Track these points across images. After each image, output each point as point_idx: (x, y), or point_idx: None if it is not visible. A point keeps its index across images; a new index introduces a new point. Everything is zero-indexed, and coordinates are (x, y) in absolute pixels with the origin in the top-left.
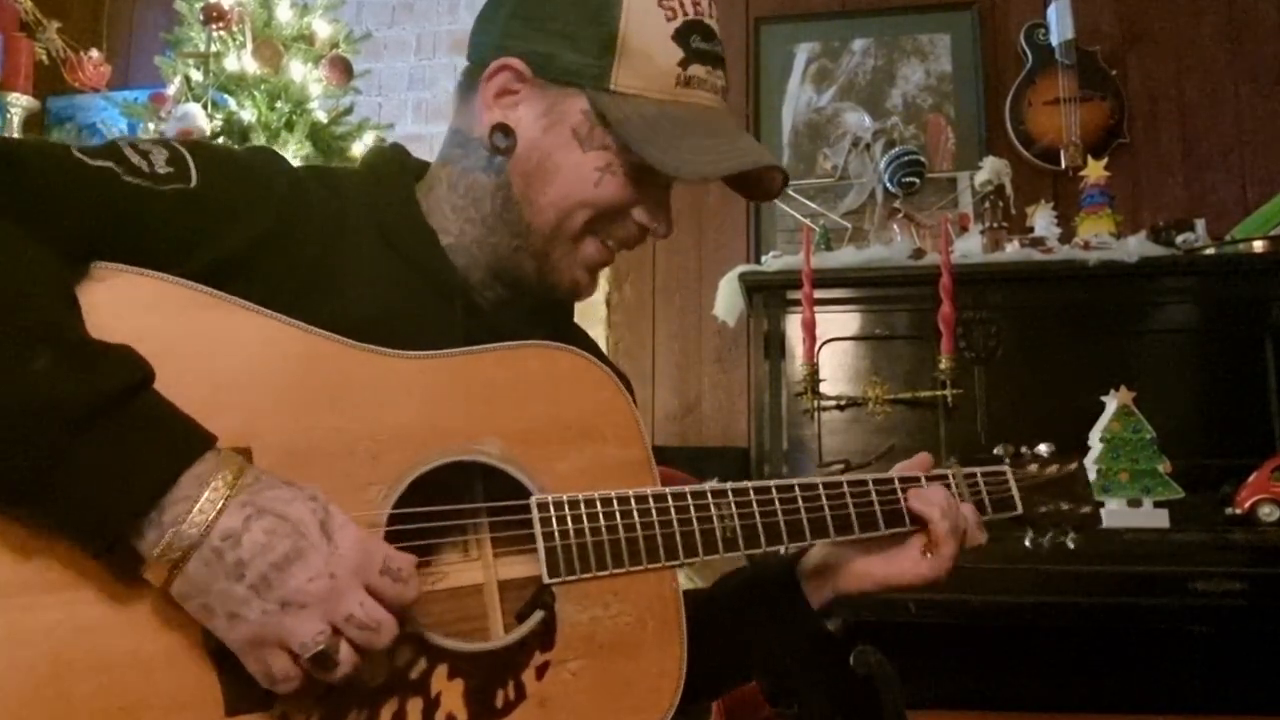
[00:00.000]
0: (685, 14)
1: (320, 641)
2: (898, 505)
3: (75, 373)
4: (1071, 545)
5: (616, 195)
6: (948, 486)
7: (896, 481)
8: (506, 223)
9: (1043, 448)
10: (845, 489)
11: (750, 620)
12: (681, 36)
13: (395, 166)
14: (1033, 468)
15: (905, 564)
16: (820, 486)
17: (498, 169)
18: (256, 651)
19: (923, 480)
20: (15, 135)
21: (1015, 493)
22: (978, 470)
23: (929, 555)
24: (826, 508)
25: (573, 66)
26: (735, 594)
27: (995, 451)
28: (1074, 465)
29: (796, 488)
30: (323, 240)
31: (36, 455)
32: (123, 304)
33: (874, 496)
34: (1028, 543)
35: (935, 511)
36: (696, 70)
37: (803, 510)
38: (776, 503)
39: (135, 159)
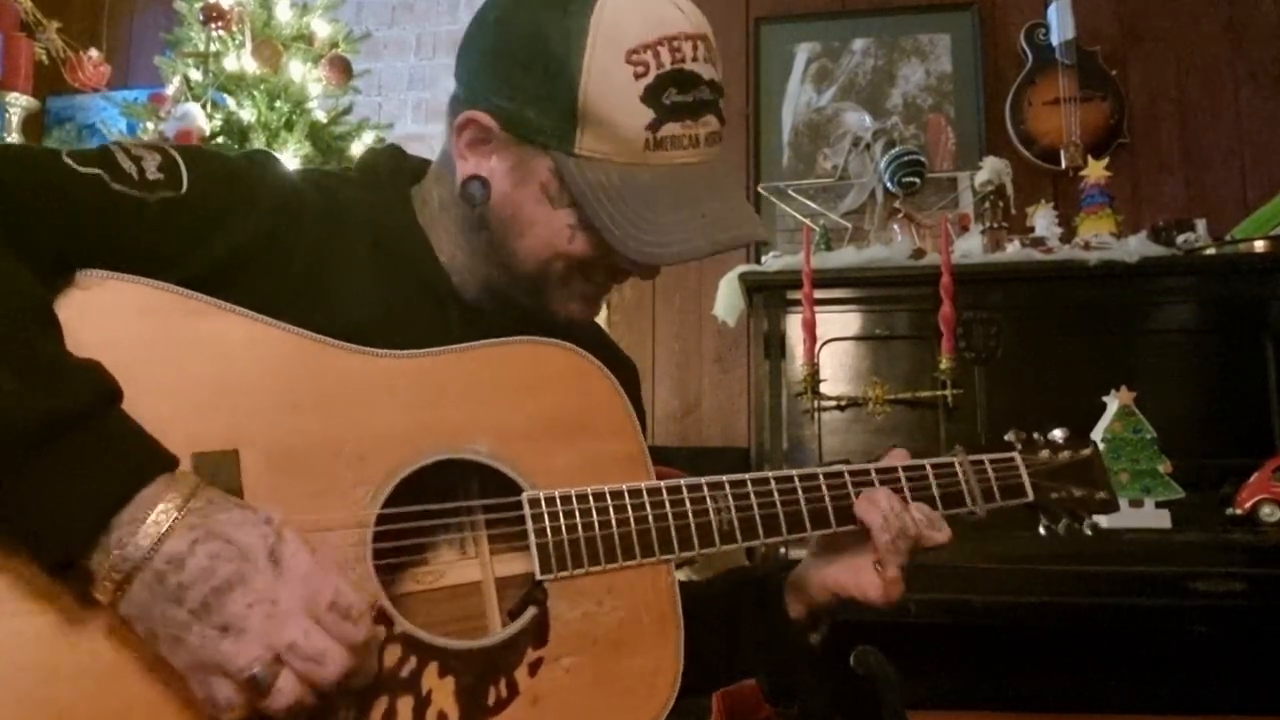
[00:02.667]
0: (660, 67)
1: (256, 666)
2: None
3: (32, 393)
4: (1089, 532)
5: (590, 250)
6: (954, 474)
7: (901, 470)
8: (495, 261)
9: (1057, 433)
10: (846, 479)
11: (737, 626)
12: (653, 94)
13: (391, 169)
14: (1045, 453)
15: (865, 578)
16: (820, 477)
17: (480, 213)
18: (199, 676)
19: (927, 469)
20: (15, 135)
21: (1026, 479)
22: (985, 457)
23: (878, 570)
24: (827, 498)
25: (537, 127)
26: (724, 597)
27: (1006, 438)
28: (1089, 450)
29: (795, 479)
30: (315, 246)
31: None
32: (109, 310)
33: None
34: (1042, 530)
35: (877, 519)
36: (670, 129)
37: (802, 501)
38: (775, 494)
39: (126, 165)
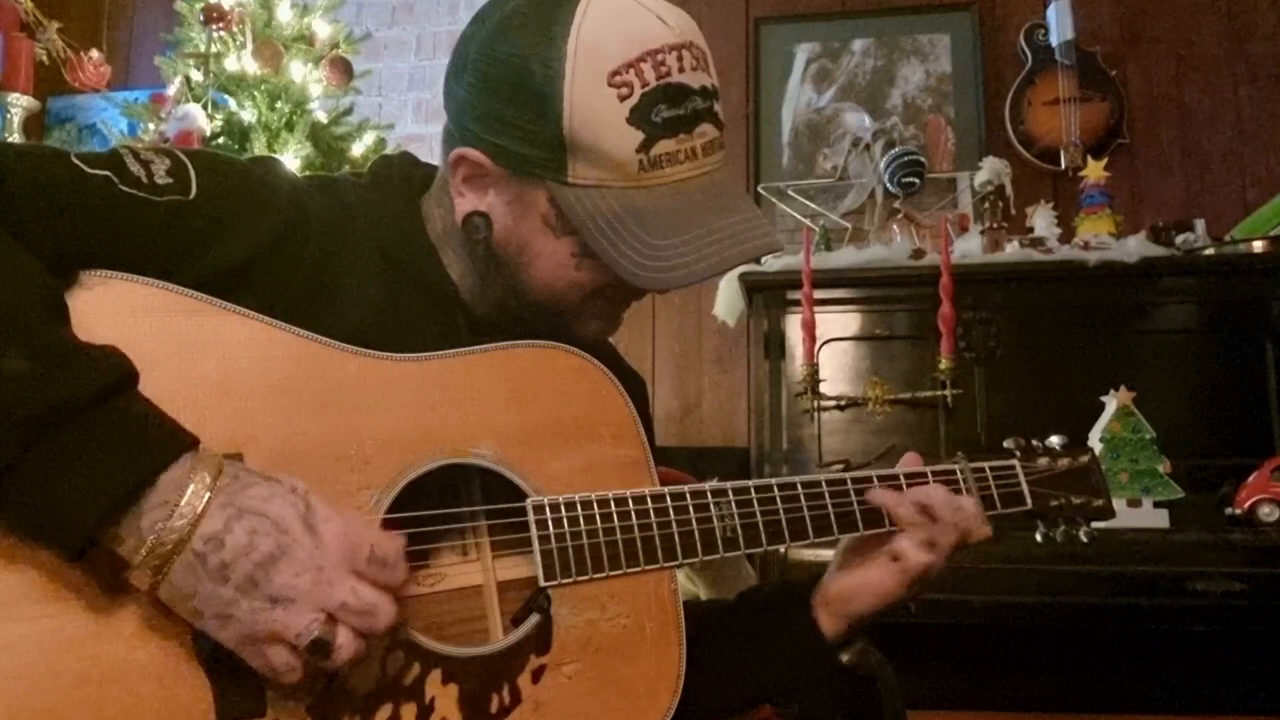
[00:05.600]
0: (644, 85)
1: (315, 629)
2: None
3: (49, 374)
4: (1085, 538)
5: (599, 275)
6: (955, 481)
7: (902, 478)
8: (508, 287)
9: (1055, 440)
10: (849, 486)
11: (765, 649)
12: (641, 114)
13: (402, 177)
14: (1043, 461)
15: (895, 567)
16: (823, 484)
17: (485, 246)
18: (253, 648)
19: (929, 476)
20: (16, 135)
21: (1025, 487)
22: (985, 465)
23: (898, 554)
24: (830, 505)
25: (529, 160)
26: (751, 620)
27: (1005, 444)
28: (1087, 458)
29: (799, 485)
30: (321, 255)
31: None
32: (113, 309)
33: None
34: (1039, 536)
35: (889, 498)
36: (664, 146)
37: (805, 508)
38: (778, 501)
39: (135, 168)
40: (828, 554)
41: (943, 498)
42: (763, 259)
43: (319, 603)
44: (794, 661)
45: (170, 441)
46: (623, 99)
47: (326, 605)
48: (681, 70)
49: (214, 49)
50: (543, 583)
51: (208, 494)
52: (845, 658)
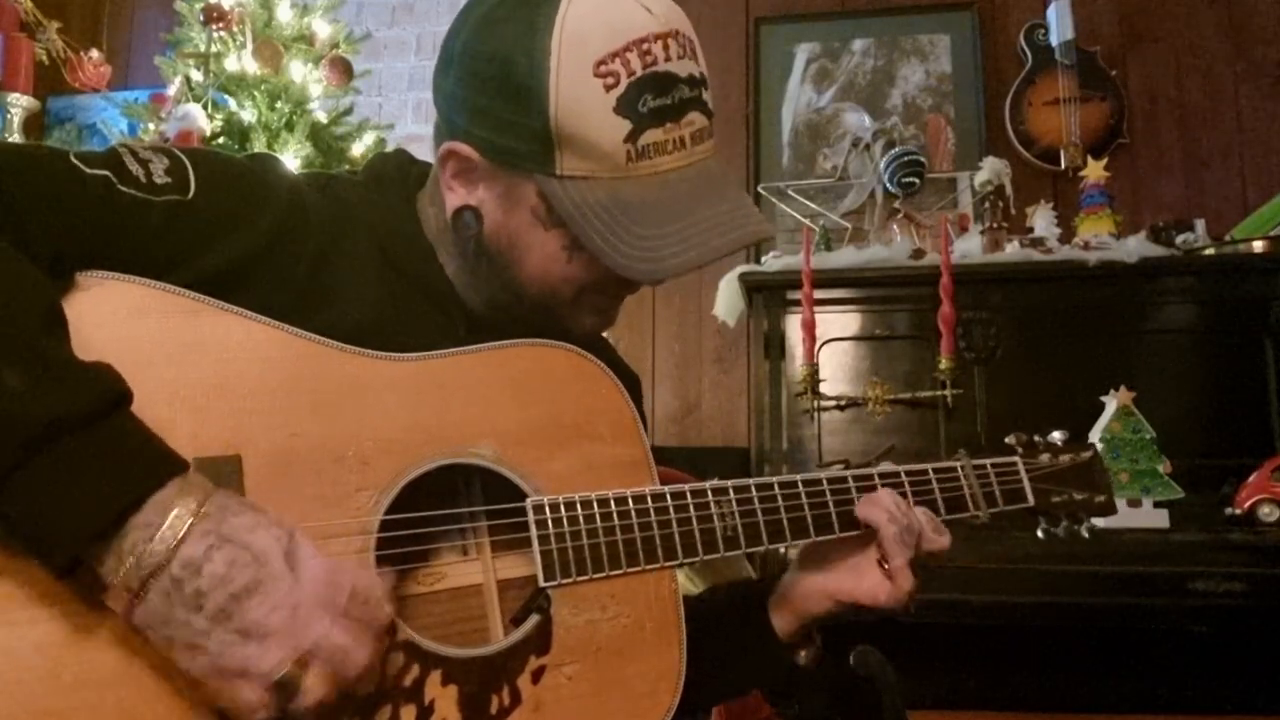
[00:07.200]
0: (631, 74)
1: (283, 668)
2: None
3: (40, 392)
4: (1087, 534)
5: (590, 269)
6: (957, 479)
7: (904, 474)
8: (502, 282)
9: (1056, 435)
10: (851, 484)
11: (724, 648)
12: (627, 104)
13: (398, 175)
14: (1045, 457)
15: (870, 580)
16: (824, 481)
17: (475, 242)
18: (220, 683)
19: (931, 474)
20: (16, 135)
21: (1027, 484)
22: (988, 461)
23: (885, 568)
24: (831, 503)
25: (517, 154)
26: (712, 619)
27: (1007, 441)
28: (1089, 453)
29: (799, 483)
30: (319, 253)
31: None
32: (111, 310)
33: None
34: (1040, 533)
35: (882, 515)
36: (651, 136)
37: (806, 506)
38: (779, 499)
39: (134, 168)
40: None
41: (896, 505)
42: (763, 259)
43: (292, 641)
44: (749, 662)
45: (159, 465)
46: (609, 89)
47: (299, 645)
48: (668, 59)
49: (214, 49)
50: (542, 583)
51: (191, 519)
52: (803, 656)
